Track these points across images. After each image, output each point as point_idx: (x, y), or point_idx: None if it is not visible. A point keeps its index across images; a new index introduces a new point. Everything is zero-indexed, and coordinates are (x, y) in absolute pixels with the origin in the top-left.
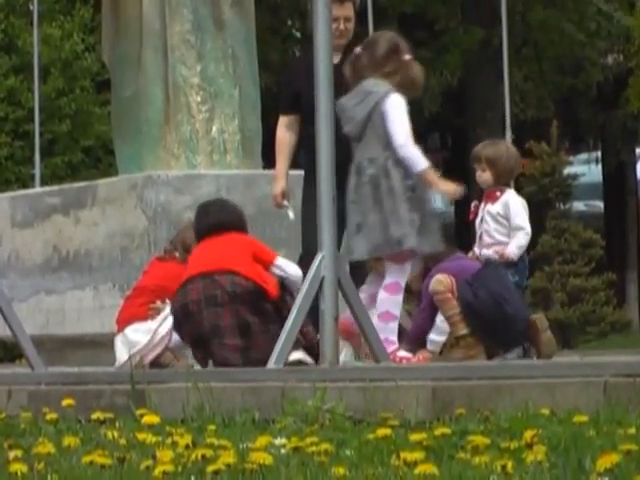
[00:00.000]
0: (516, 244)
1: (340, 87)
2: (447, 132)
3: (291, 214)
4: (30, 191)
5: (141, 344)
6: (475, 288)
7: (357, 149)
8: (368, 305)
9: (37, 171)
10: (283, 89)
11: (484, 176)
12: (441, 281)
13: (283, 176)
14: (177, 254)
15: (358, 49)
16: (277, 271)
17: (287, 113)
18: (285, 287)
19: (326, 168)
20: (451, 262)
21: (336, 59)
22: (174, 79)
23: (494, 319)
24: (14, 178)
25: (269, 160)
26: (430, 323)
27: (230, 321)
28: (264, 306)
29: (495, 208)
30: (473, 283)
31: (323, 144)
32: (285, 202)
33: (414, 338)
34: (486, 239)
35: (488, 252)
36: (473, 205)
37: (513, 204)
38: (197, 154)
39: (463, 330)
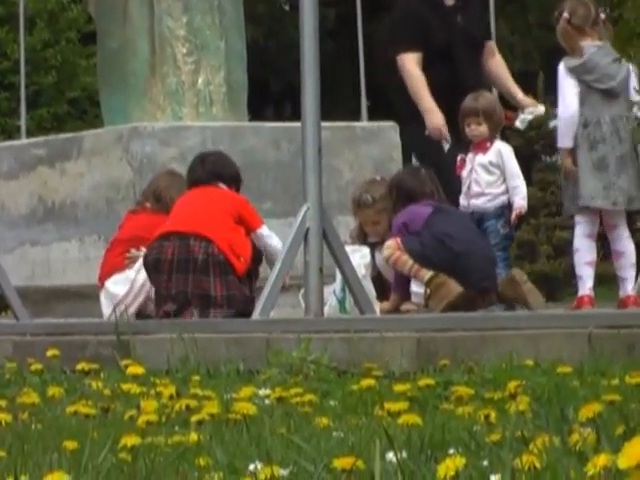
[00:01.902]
0: (522, 195)
1: (454, 30)
2: None
3: (446, 145)
4: (15, 142)
5: (121, 295)
6: (421, 236)
7: (613, 104)
8: None
9: (22, 123)
10: (406, 26)
11: (480, 129)
12: (388, 246)
13: (436, 109)
14: (148, 204)
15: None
16: (259, 240)
17: (414, 49)
18: (258, 259)
19: (312, 120)
20: (404, 211)
21: (450, 1)
22: (160, 31)
23: (444, 259)
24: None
25: (255, 112)
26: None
27: (195, 291)
28: (229, 278)
29: (487, 158)
30: (421, 231)
31: (308, 94)
32: (447, 135)
33: (398, 286)
34: (475, 189)
35: (477, 202)
36: (460, 158)
37: (506, 152)
38: (183, 106)
39: (426, 275)
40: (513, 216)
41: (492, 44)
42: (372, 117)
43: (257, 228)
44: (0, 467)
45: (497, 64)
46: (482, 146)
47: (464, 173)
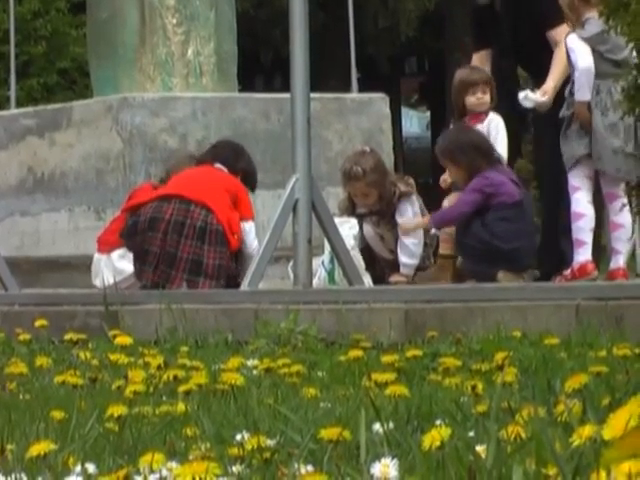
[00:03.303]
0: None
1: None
2: (424, 56)
3: None
4: (5, 113)
5: (126, 273)
6: (484, 221)
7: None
8: None
9: (12, 93)
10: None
11: (485, 98)
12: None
13: None
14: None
15: None
16: (242, 231)
17: (481, 48)
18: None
19: (301, 91)
20: (495, 174)
21: None
22: (150, 1)
23: (486, 252)
24: None
25: (245, 83)
26: (466, 212)
27: (186, 255)
28: (222, 250)
29: (483, 127)
30: (489, 213)
31: (298, 65)
32: None
33: (444, 221)
34: None
35: None
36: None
37: (498, 123)
38: (173, 76)
39: (447, 250)
40: None
41: None
42: (362, 89)
43: (246, 219)
44: None
45: None
46: (479, 117)
47: None
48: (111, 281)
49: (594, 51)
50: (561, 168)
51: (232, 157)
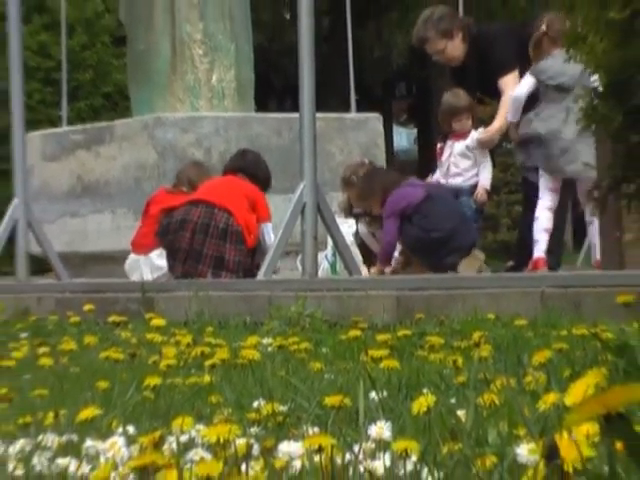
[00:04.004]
0: (487, 175)
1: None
2: (412, 82)
3: None
4: (58, 130)
5: (164, 269)
6: (411, 223)
7: (566, 98)
8: None
9: (64, 113)
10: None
11: (468, 122)
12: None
13: None
14: (184, 188)
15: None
16: (260, 230)
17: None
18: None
19: (308, 112)
20: (397, 189)
21: None
22: (180, 35)
23: (426, 247)
24: (45, 119)
25: (260, 105)
26: (394, 240)
27: (211, 252)
28: (240, 247)
29: (465, 143)
30: (412, 216)
31: (305, 89)
32: None
33: (385, 256)
34: (453, 169)
35: (454, 181)
36: (439, 146)
37: (477, 136)
38: (199, 99)
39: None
40: (482, 192)
41: None
42: (360, 109)
43: (264, 221)
44: (43, 403)
45: None
46: (462, 135)
47: (443, 158)
48: (149, 277)
49: (538, 81)
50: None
51: (252, 166)
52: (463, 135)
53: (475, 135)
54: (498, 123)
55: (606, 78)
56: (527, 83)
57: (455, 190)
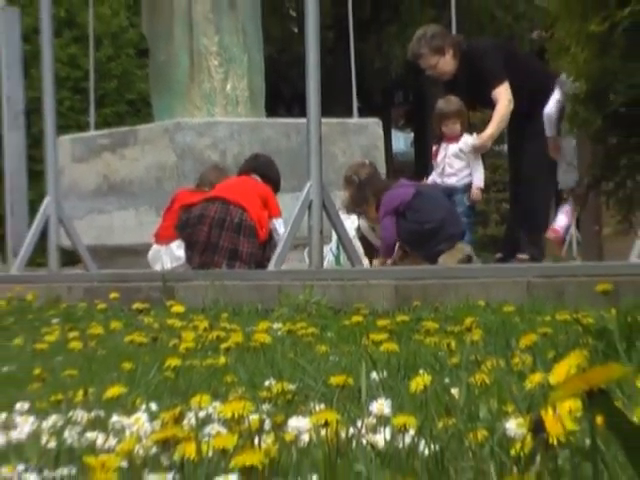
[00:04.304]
0: (480, 176)
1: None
2: (409, 90)
3: None
4: (86, 134)
5: (183, 259)
6: (405, 219)
7: None
8: None
9: (91, 119)
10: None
11: (456, 127)
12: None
13: None
14: (206, 189)
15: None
16: (272, 225)
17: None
18: (270, 238)
19: (314, 117)
20: (389, 191)
21: None
22: (197, 48)
23: (418, 240)
24: (74, 124)
25: (270, 111)
26: (394, 236)
27: (226, 244)
28: (253, 241)
29: (458, 146)
30: (404, 213)
31: (312, 97)
32: None
33: (387, 250)
34: (448, 170)
35: (449, 180)
36: (434, 148)
37: (467, 140)
38: (215, 106)
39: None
40: (476, 191)
41: None
42: (361, 115)
43: (275, 216)
44: (73, 383)
45: None
46: (454, 138)
47: (439, 159)
48: (169, 266)
49: (563, 93)
50: (525, 177)
51: (265, 168)
52: (456, 138)
53: (469, 140)
54: (490, 130)
55: (586, 85)
56: (554, 97)
57: (450, 189)
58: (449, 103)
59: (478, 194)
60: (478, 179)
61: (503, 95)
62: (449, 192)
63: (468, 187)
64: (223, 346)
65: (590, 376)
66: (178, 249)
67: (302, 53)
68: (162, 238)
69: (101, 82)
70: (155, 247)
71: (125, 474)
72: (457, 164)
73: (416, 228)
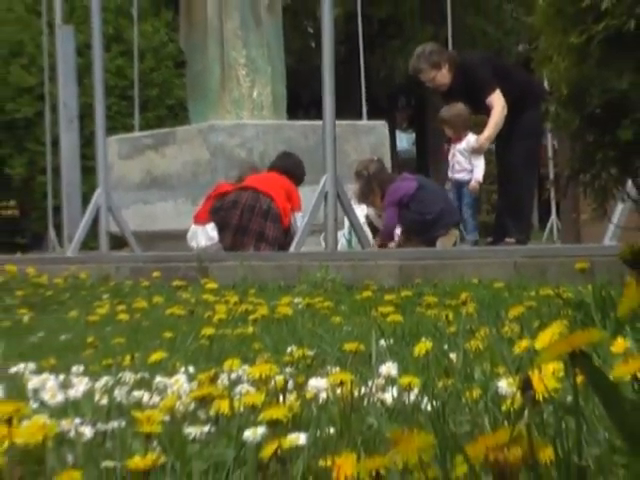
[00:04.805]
0: (480, 171)
1: None
2: (411, 96)
3: None
4: (131, 135)
5: (215, 239)
6: (408, 208)
7: None
8: None
9: (136, 122)
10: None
11: (449, 132)
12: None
13: None
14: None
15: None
16: (292, 217)
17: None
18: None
19: (329, 120)
20: (393, 184)
21: None
22: (228, 60)
23: (420, 228)
24: (121, 127)
25: (291, 114)
26: (395, 224)
27: (255, 227)
28: (278, 226)
29: (461, 146)
30: (409, 204)
31: (327, 102)
32: None
33: (386, 234)
34: (456, 167)
35: (458, 176)
36: (445, 148)
37: (469, 139)
38: (243, 110)
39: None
40: (474, 184)
41: None
42: (369, 117)
43: (296, 209)
44: (121, 349)
45: None
46: (459, 139)
47: (449, 157)
48: (203, 244)
49: None
50: (512, 171)
51: (292, 166)
52: (459, 139)
53: (471, 140)
54: (487, 133)
55: (567, 90)
56: None
57: (459, 182)
58: (448, 110)
59: (475, 186)
60: (477, 174)
61: (497, 101)
62: (459, 185)
63: (469, 182)
64: (251, 318)
65: (573, 339)
66: (212, 230)
67: (318, 64)
68: (200, 220)
69: (144, 90)
70: (193, 227)
71: (167, 427)
72: (460, 163)
73: (418, 218)
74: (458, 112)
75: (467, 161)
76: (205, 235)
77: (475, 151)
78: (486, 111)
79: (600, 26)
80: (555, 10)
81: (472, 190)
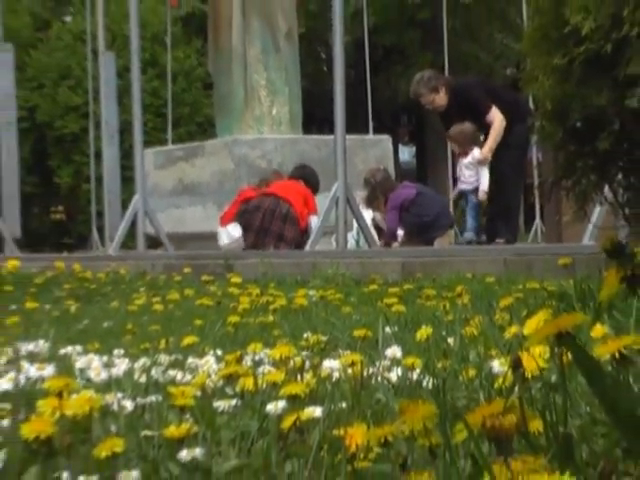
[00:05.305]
0: (485, 181)
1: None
2: (412, 114)
3: None
4: (165, 148)
5: (235, 237)
6: (408, 212)
7: None
8: None
9: (169, 136)
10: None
11: (456, 147)
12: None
13: None
14: (264, 186)
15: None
16: (309, 219)
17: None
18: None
19: (340, 134)
20: (394, 191)
21: None
22: (250, 82)
23: (419, 229)
24: (156, 140)
25: (305, 129)
26: (396, 226)
27: (275, 229)
28: (295, 228)
29: (467, 160)
30: (409, 208)
31: (338, 119)
32: None
33: (389, 235)
34: (462, 179)
35: (464, 186)
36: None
37: (474, 153)
38: (263, 126)
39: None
40: (482, 195)
41: None
42: (375, 133)
43: (312, 213)
44: (157, 335)
45: None
46: (465, 153)
47: (458, 170)
48: (226, 242)
49: None
50: (501, 179)
51: (308, 176)
52: (466, 154)
53: (476, 153)
54: (489, 145)
55: (551, 106)
56: None
57: (465, 192)
58: (453, 128)
59: (484, 195)
60: (483, 184)
61: (496, 116)
62: (465, 193)
63: (475, 189)
64: (271, 308)
65: (559, 322)
66: (233, 229)
67: (330, 86)
68: (224, 221)
69: (176, 108)
70: (220, 229)
71: (199, 401)
72: (467, 173)
73: (417, 220)
74: (462, 130)
75: (473, 172)
76: (227, 234)
77: (481, 162)
78: (484, 127)
79: (581, 49)
80: (541, 35)
81: (481, 199)
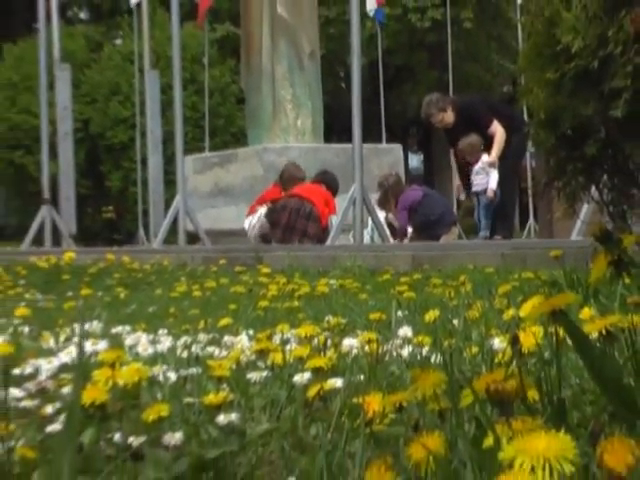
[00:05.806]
0: (494, 182)
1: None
2: (421, 125)
3: None
4: (203, 155)
5: (253, 222)
6: (416, 211)
7: None
8: None
9: (206, 145)
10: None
11: (468, 157)
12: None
13: None
14: (282, 181)
15: None
16: (330, 219)
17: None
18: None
19: (357, 143)
20: (404, 194)
21: None
22: (277, 97)
23: (425, 227)
24: (195, 148)
25: (327, 139)
26: (406, 224)
27: (299, 227)
28: (317, 225)
29: (478, 166)
30: (416, 208)
31: (356, 129)
32: None
33: (401, 233)
34: (474, 183)
35: (476, 189)
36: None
37: (486, 160)
38: (289, 136)
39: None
40: (491, 194)
41: None
42: (388, 142)
43: (332, 213)
44: (197, 317)
45: None
46: (476, 159)
47: (471, 177)
48: (247, 228)
49: None
50: (501, 182)
51: (329, 180)
52: (476, 161)
53: (485, 158)
54: (495, 152)
55: (544, 115)
56: None
57: (477, 193)
58: (462, 141)
59: (491, 193)
60: (492, 184)
61: (498, 129)
62: (477, 195)
63: (486, 189)
64: (296, 294)
65: (554, 301)
66: (254, 219)
67: (348, 101)
68: (249, 213)
69: (213, 120)
70: (246, 220)
71: (234, 372)
72: (478, 179)
73: (424, 219)
74: (470, 142)
75: (483, 176)
76: (249, 222)
77: (491, 164)
78: (486, 139)
79: (571, 65)
80: (535, 52)
81: (489, 197)
